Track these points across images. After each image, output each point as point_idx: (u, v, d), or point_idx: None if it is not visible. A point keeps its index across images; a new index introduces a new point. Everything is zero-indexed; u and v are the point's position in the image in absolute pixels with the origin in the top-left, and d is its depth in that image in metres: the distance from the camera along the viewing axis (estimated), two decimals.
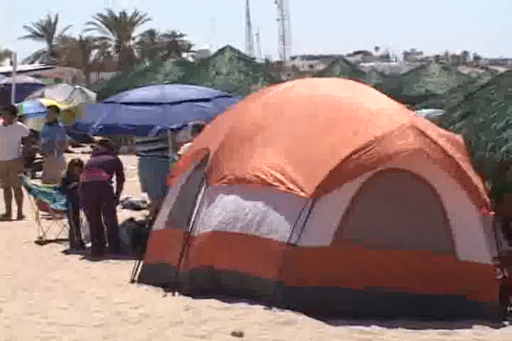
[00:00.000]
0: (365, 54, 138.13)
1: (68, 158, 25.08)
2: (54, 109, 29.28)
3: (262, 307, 15.07)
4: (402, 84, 58.29)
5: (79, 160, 22.48)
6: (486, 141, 16.87)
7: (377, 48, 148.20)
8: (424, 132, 15.92)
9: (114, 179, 21.79)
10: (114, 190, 21.88)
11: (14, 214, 26.54)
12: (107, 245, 21.29)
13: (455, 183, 15.72)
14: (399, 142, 15.64)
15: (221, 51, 56.67)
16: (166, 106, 22.08)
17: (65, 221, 22.65)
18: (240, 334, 13.75)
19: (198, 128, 19.46)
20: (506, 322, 15.22)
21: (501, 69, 45.51)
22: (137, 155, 23.47)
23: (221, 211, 16.25)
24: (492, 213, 15.78)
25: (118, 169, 21.67)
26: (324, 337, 14.03)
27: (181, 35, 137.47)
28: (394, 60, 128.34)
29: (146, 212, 23.49)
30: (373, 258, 15.38)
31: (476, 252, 15.70)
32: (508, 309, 15.79)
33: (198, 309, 15.08)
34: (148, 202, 24.47)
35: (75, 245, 21.75)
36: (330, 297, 15.05)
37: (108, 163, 21.55)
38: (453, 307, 15.24)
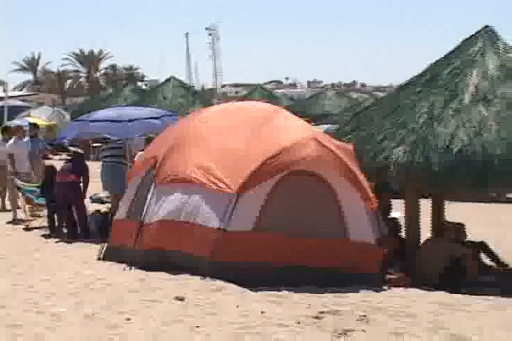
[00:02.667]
0: (277, 82, 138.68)
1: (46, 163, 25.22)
2: (34, 125, 29.03)
3: (199, 277, 15.12)
4: (306, 106, 58.41)
5: (52, 166, 22.70)
6: (369, 149, 16.91)
7: (287, 78, 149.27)
8: (323, 143, 16.08)
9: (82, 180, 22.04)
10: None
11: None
12: (79, 231, 21.44)
13: (347, 182, 15.85)
14: (303, 150, 15.80)
15: (167, 81, 56.88)
16: (124, 122, 22.17)
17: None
18: (182, 299, 13.85)
19: (148, 140, 19.55)
20: (385, 287, 15.31)
21: (381, 95, 45.96)
22: (101, 161, 23.63)
23: (167, 204, 16.39)
24: (375, 206, 15.92)
25: (84, 172, 21.79)
26: (246, 300, 14.08)
27: (136, 69, 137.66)
28: (299, 87, 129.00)
29: (110, 205, 23.53)
30: (283, 240, 15.47)
31: (363, 235, 15.83)
32: (386, 277, 15.88)
33: (149, 280, 15.16)
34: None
35: (53, 230, 21.87)
36: (250, 269, 15.14)
37: (77, 168, 21.72)
38: (346, 277, 15.31)
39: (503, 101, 16.98)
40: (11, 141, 26.20)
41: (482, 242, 17.83)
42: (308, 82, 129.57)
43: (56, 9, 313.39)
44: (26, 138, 26.00)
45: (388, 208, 17.49)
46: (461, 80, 17.48)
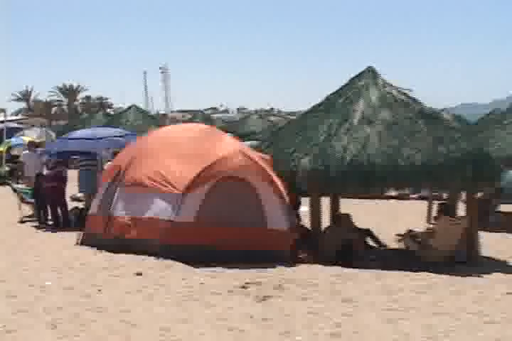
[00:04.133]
0: (214, 109, 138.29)
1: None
2: (33, 143, 28.73)
3: (153, 258, 15.14)
4: (236, 127, 58.46)
5: (40, 173, 22.53)
6: (282, 159, 17.01)
7: (221, 105, 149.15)
8: (247, 154, 16.22)
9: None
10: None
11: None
12: (62, 223, 21.42)
13: (266, 184, 15.94)
14: (233, 161, 15.94)
15: (129, 108, 56.71)
16: (96, 140, 22.30)
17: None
18: (140, 274, 13.84)
19: (115, 153, 19.53)
20: (295, 263, 15.39)
21: (293, 117, 46.31)
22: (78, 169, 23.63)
23: (128, 203, 16.42)
24: (287, 201, 16.07)
25: (63, 177, 21.75)
26: (189, 274, 14.12)
27: (106, 99, 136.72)
28: (231, 112, 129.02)
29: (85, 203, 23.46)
30: (218, 228, 15.56)
31: (278, 224, 15.94)
32: (299, 255, 15.98)
33: (115, 260, 15.16)
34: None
35: (41, 222, 21.77)
36: (193, 251, 15.17)
37: (58, 174, 21.66)
38: (267, 255, 15.38)
39: (382, 123, 17.20)
40: (25, 152, 26.40)
41: (367, 229, 18.03)
42: (238, 109, 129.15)
43: (45, 53, 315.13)
44: (38, 151, 25.74)
45: (298, 204, 17.58)
46: (351, 107, 17.66)
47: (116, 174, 17.03)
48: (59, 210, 21.64)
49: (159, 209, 15.85)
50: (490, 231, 20.27)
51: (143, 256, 15.35)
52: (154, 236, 15.63)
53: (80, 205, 23.11)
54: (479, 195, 19.92)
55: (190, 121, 63.24)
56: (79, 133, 24.58)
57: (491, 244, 18.55)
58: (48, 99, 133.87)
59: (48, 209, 21.99)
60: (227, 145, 16.71)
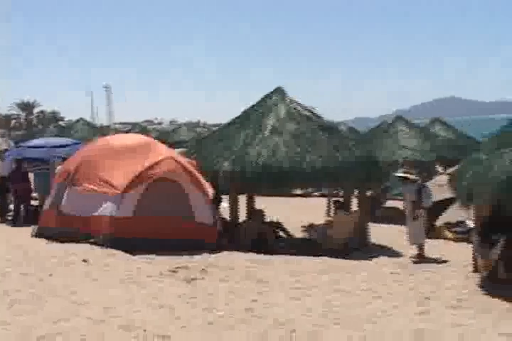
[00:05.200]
0: (149, 121, 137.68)
1: None
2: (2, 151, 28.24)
3: (99, 247, 15.01)
4: (168, 137, 58.19)
5: (3, 176, 22.06)
6: (207, 163, 17.03)
7: (156, 118, 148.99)
8: (178, 160, 16.20)
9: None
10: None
11: None
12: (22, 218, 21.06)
13: (193, 184, 15.95)
14: (165, 165, 15.91)
15: (77, 121, 56.03)
16: (49, 148, 22.05)
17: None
18: (86, 261, 13.70)
19: (64, 159, 19.24)
20: (220, 252, 15.40)
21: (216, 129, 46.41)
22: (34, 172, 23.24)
23: (77, 201, 16.23)
24: (211, 199, 16.10)
25: (26, 178, 21.43)
26: (128, 261, 14.04)
27: (58, 113, 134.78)
28: (164, 124, 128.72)
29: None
30: (153, 221, 15.47)
31: (204, 218, 15.95)
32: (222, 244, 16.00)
33: (65, 250, 14.89)
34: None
35: (3, 219, 21.35)
36: (132, 242, 15.08)
37: (24, 175, 21.36)
38: (194, 244, 15.37)
39: (289, 134, 17.33)
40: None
41: (277, 221, 18.12)
42: (170, 121, 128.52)
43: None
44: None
45: (220, 200, 17.59)
46: (263, 120, 17.76)
47: (66, 177, 16.83)
48: (22, 208, 21.27)
49: (103, 206, 15.66)
50: (378, 223, 20.53)
51: (89, 246, 15.21)
52: (99, 229, 15.51)
53: (36, 203, 22.77)
54: (369, 193, 20.15)
55: (129, 131, 62.64)
56: (34, 142, 24.29)
57: (379, 233, 18.77)
58: (8, 113, 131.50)
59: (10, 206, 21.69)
60: (160, 152, 16.65)
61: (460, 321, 10.41)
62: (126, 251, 14.81)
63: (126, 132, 57.83)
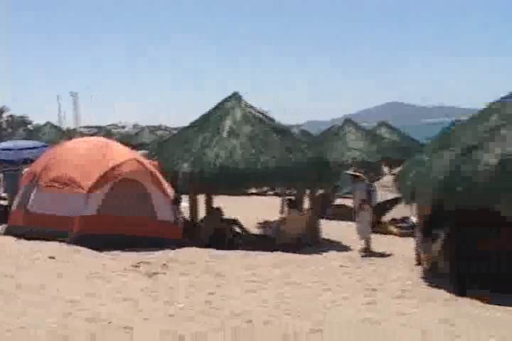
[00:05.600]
0: (114, 125, 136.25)
1: None
2: None
3: (66, 244, 14.90)
4: (131, 139, 57.95)
5: None
6: (168, 165, 17.03)
7: (120, 122, 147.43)
8: (140, 161, 16.14)
9: None
10: None
11: None
12: None
13: (155, 184, 15.91)
14: (128, 166, 15.83)
15: (45, 124, 55.52)
16: (16, 150, 21.82)
17: None
18: (53, 257, 13.57)
19: (32, 161, 19.06)
20: (180, 248, 15.37)
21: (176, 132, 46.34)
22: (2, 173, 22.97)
23: (44, 201, 16.07)
24: (171, 196, 16.06)
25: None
26: (96, 258, 13.97)
27: (26, 117, 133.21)
28: (127, 128, 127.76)
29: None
30: (117, 219, 15.40)
31: (166, 216, 15.91)
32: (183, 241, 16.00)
33: (33, 246, 14.71)
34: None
35: None
36: (97, 239, 14.99)
37: None
38: (155, 241, 15.34)
39: (245, 136, 17.37)
40: None
41: (234, 219, 18.15)
42: (133, 125, 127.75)
43: None
44: None
45: (179, 200, 17.58)
46: (220, 123, 17.80)
47: (32, 178, 16.69)
48: None
49: (69, 205, 15.52)
50: (328, 220, 20.67)
51: (56, 244, 15.09)
52: (66, 227, 15.38)
53: (5, 203, 22.50)
54: (320, 191, 20.27)
55: (95, 135, 62.35)
56: (3, 145, 24.01)
57: (329, 229, 18.90)
58: None
59: None
60: (124, 154, 16.58)
61: (404, 310, 10.55)
62: (91, 248, 14.71)
63: (92, 135, 57.55)
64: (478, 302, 11.11)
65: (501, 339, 9.01)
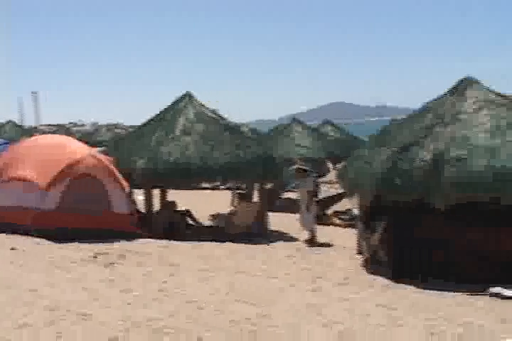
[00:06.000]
0: (73, 123, 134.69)
1: None
2: None
3: (28, 237, 14.72)
4: (90, 137, 57.29)
5: None
6: (123, 160, 16.90)
7: (80, 120, 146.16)
8: (97, 157, 15.98)
9: None
10: None
11: None
12: None
13: (111, 179, 15.78)
14: (86, 162, 15.66)
15: (7, 122, 54.74)
16: None
17: None
18: (14, 248, 13.42)
19: None
20: (136, 239, 15.34)
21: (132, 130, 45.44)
22: None
23: (5, 195, 15.84)
24: (127, 190, 15.95)
25: None
26: (53, 248, 13.81)
27: None
28: (87, 126, 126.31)
29: None
30: (75, 213, 15.25)
31: (122, 209, 15.77)
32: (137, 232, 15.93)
33: (2, 240, 14.57)
34: None
35: None
36: (57, 231, 14.84)
37: None
38: (112, 232, 15.22)
39: (197, 134, 17.36)
40: None
41: (188, 211, 18.12)
42: (93, 123, 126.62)
43: None
44: None
45: (132, 193, 17.49)
46: (174, 122, 17.74)
47: None
48: None
49: (29, 200, 15.35)
50: (276, 212, 20.75)
51: (20, 236, 14.90)
52: (27, 221, 15.19)
53: None
54: (268, 186, 20.35)
55: (55, 133, 61.60)
56: None
57: (277, 221, 18.99)
58: None
59: None
60: (81, 151, 16.39)
61: (346, 296, 10.70)
62: (51, 240, 14.57)
63: (52, 133, 56.88)
64: (413, 288, 11.32)
65: (434, 320, 9.20)
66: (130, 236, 15.42)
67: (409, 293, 11.02)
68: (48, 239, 14.58)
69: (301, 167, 17.11)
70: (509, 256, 11.57)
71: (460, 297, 10.68)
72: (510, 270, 11.40)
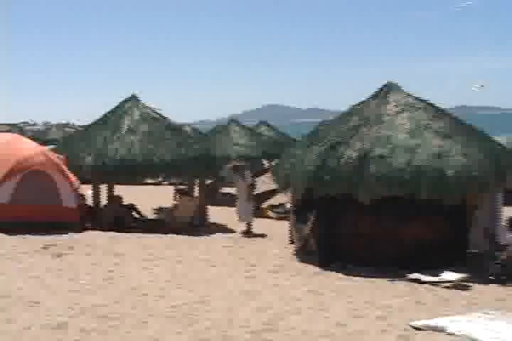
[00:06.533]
0: (25, 123, 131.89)
1: None
2: None
3: None
4: (42, 135, 56.29)
5: None
6: (73, 158, 16.62)
7: (31, 120, 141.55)
8: (48, 154, 15.75)
9: None
10: None
11: None
12: None
13: (61, 175, 15.55)
14: (37, 158, 15.42)
15: None
16: None
17: None
18: None
19: None
20: (84, 231, 15.15)
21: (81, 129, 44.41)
22: None
23: None
24: (76, 185, 15.74)
25: None
26: (6, 240, 13.64)
27: None
28: (38, 125, 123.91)
29: None
30: (27, 206, 14.99)
31: (70, 202, 15.53)
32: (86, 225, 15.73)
33: None
34: None
35: None
36: (9, 224, 14.58)
37: None
38: (62, 225, 15.03)
39: (142, 133, 17.23)
40: None
41: (133, 204, 17.97)
42: (44, 122, 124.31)
43: None
44: None
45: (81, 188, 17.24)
46: (120, 122, 17.57)
47: None
48: None
49: None
50: (215, 206, 20.73)
51: None
52: None
53: None
54: (208, 181, 20.34)
55: (7, 131, 60.32)
56: None
57: (216, 214, 18.99)
58: None
59: None
60: (32, 148, 16.13)
61: (278, 282, 10.80)
62: (3, 232, 14.30)
63: (4, 132, 55.64)
64: (339, 275, 11.47)
65: (356, 304, 9.36)
66: (79, 229, 15.26)
67: (335, 279, 11.17)
68: (0, 232, 14.32)
69: (236, 164, 17.24)
70: (423, 244, 11.82)
71: (381, 282, 10.87)
72: (424, 256, 11.65)
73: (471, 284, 10.68)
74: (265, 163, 33.76)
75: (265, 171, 20.05)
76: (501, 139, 19.77)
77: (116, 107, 18.27)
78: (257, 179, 17.38)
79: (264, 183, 20.53)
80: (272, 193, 20.26)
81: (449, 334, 7.88)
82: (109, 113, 18.28)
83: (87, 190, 17.71)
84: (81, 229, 15.39)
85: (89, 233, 15.13)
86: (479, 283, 10.78)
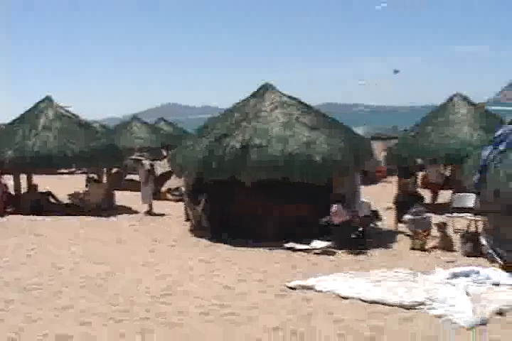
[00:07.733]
0: None
1: None
2: None
3: None
4: None
5: None
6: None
7: None
8: None
9: None
10: None
11: None
12: None
13: None
14: None
15: None
16: None
17: None
18: None
19: None
20: (6, 216, 14.51)
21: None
22: None
23: None
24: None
25: None
26: None
27: None
28: None
29: None
30: None
31: None
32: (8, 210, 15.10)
33: None
34: None
35: None
36: None
37: None
38: None
39: (56, 130, 16.59)
40: None
41: (50, 191, 17.33)
42: None
43: None
44: None
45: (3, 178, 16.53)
46: (36, 120, 16.91)
47: None
48: None
49: None
50: (121, 191, 20.32)
51: None
52: None
53: None
54: (114, 170, 19.90)
55: None
56: None
57: (122, 198, 18.60)
58: None
59: None
60: None
61: (176, 254, 10.86)
62: None
63: None
64: (227, 246, 11.61)
65: (241, 270, 9.53)
66: (1, 214, 14.68)
67: (224, 250, 11.30)
68: None
69: (136, 158, 17.32)
70: (299, 220, 12.10)
71: (262, 251, 11.08)
72: (300, 229, 11.92)
73: (336, 250, 11.01)
74: (164, 152, 33.57)
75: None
76: (358, 130, 20.50)
77: (33, 107, 17.62)
78: (154, 164, 17.31)
79: (161, 167, 20.45)
80: (168, 174, 20.04)
81: (316, 291, 8.16)
82: (26, 112, 17.60)
83: (9, 180, 17.03)
84: (4, 214, 14.82)
85: (13, 217, 14.60)
86: (342, 248, 11.11)
